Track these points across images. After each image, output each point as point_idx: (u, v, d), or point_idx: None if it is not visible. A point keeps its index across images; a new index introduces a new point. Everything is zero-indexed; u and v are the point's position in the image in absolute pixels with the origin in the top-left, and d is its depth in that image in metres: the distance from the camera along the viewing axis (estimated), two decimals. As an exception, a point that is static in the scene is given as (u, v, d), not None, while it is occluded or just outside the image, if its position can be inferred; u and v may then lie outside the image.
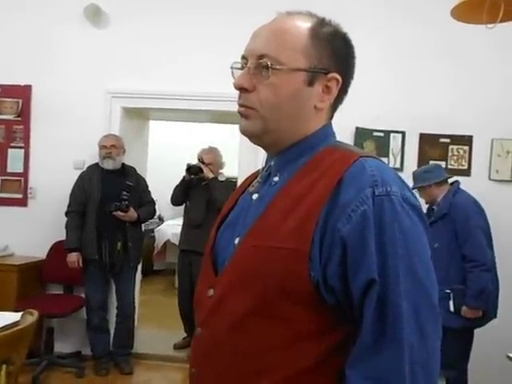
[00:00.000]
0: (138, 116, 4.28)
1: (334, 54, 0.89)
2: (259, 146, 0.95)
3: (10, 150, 3.95)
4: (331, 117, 0.95)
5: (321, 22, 0.90)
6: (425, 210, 3.01)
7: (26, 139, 3.94)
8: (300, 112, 0.89)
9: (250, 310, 0.82)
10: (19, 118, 3.94)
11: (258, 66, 0.87)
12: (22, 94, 3.93)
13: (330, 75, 0.89)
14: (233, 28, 3.45)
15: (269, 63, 0.86)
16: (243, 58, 0.90)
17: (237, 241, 0.89)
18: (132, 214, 3.53)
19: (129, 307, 3.73)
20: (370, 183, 0.79)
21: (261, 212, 0.87)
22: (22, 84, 3.93)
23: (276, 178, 0.91)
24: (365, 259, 0.77)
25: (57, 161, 3.87)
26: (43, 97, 3.91)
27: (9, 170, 3.96)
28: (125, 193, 3.52)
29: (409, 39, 3.63)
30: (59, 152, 3.87)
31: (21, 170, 3.95)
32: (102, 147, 3.58)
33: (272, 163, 0.94)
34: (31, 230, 3.87)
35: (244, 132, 0.92)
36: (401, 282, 0.76)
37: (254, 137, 0.92)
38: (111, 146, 3.58)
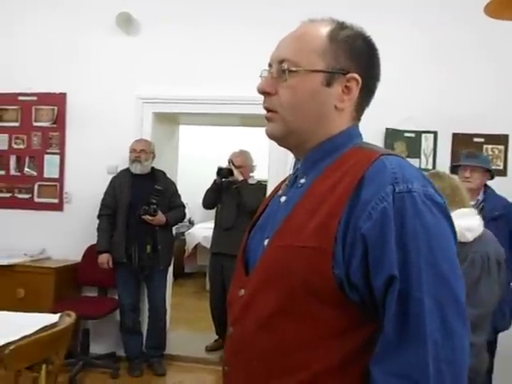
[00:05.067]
0: (169, 121, 4.35)
1: (353, 56, 0.90)
2: (286, 147, 0.98)
3: (46, 156, 4.08)
4: (357, 118, 0.96)
5: (340, 26, 0.93)
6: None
7: (62, 145, 4.06)
8: (320, 112, 0.91)
9: (277, 308, 0.84)
10: (55, 125, 4.06)
11: (279, 71, 0.91)
12: (58, 101, 4.05)
13: (349, 75, 0.90)
14: (260, 33, 3.46)
15: (286, 66, 0.89)
16: (269, 65, 0.95)
17: (266, 242, 0.92)
18: (160, 217, 3.58)
19: (160, 309, 3.78)
20: (391, 180, 0.80)
21: (288, 213, 0.90)
22: (57, 92, 4.05)
23: (302, 180, 0.93)
24: (385, 256, 0.77)
25: (91, 166, 3.97)
26: (77, 104, 4.02)
27: (45, 176, 4.08)
28: (153, 197, 3.57)
29: (440, 39, 3.55)
30: (93, 157, 3.97)
31: (57, 176, 4.06)
32: (132, 151, 3.67)
33: (299, 166, 0.96)
34: (67, 234, 3.98)
35: (269, 135, 0.96)
36: (423, 277, 0.76)
37: (279, 139, 0.95)
38: (141, 151, 3.65)
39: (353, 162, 0.86)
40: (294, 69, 0.89)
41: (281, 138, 0.95)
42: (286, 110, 0.91)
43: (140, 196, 3.60)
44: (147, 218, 3.53)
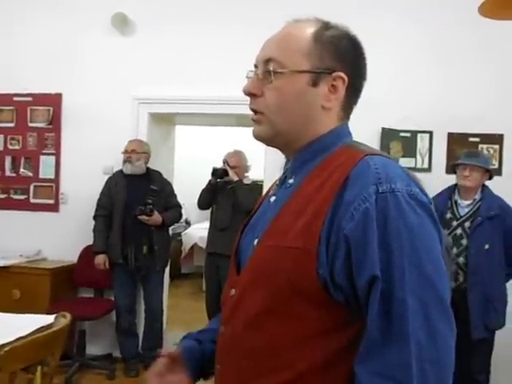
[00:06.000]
0: (165, 121, 4.34)
1: (338, 55, 0.90)
2: (274, 147, 0.98)
3: (41, 157, 4.07)
4: (345, 117, 0.95)
5: (325, 26, 0.92)
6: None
7: (57, 146, 4.05)
8: (307, 113, 0.91)
9: (264, 307, 0.85)
10: (50, 126, 4.05)
11: (264, 72, 0.91)
12: (53, 102, 4.04)
13: (335, 74, 0.90)
14: (256, 33, 3.45)
15: (271, 67, 0.89)
16: (255, 66, 0.94)
17: (255, 242, 0.92)
18: (156, 217, 3.57)
19: (156, 310, 3.77)
20: (374, 180, 0.80)
21: (275, 213, 0.90)
22: (53, 92, 4.04)
23: (291, 181, 0.94)
24: (367, 256, 0.77)
25: (87, 167, 3.96)
26: (73, 104, 4.01)
27: (41, 177, 4.07)
28: (149, 197, 3.57)
29: (437, 39, 3.57)
30: (89, 158, 3.96)
31: (52, 176, 4.05)
32: (124, 151, 3.67)
33: (288, 166, 0.97)
34: (63, 235, 3.97)
35: (256, 136, 0.96)
36: (406, 277, 0.76)
37: (266, 140, 0.96)
38: (132, 151, 3.64)
39: (339, 161, 0.86)
40: (279, 70, 0.89)
41: (268, 140, 0.95)
42: (272, 111, 0.91)
43: (136, 196, 3.59)
44: (143, 218, 3.53)
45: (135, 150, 3.65)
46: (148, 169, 3.75)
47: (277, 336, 0.84)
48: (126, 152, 3.66)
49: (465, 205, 2.92)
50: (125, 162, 3.66)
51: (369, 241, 0.77)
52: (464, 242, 2.86)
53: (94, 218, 3.67)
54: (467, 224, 2.87)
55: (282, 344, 0.83)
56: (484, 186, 2.95)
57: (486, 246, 2.80)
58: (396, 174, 0.82)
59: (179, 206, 3.86)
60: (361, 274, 0.78)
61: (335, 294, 0.80)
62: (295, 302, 0.82)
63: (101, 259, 3.59)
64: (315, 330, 0.82)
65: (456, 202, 2.95)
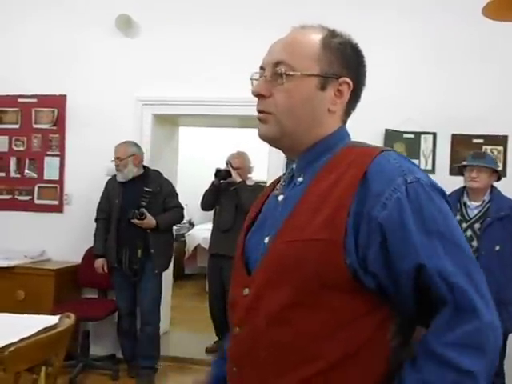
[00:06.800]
0: (169, 122, 4.35)
1: (344, 62, 0.95)
2: (278, 149, 1.01)
3: (46, 158, 4.09)
4: (345, 121, 1.00)
5: (332, 34, 0.97)
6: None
7: (62, 147, 4.06)
8: (314, 115, 0.95)
9: (288, 302, 0.86)
10: (55, 127, 4.07)
11: (274, 74, 0.94)
12: (58, 103, 4.06)
13: (342, 79, 0.94)
14: (260, 35, 3.46)
15: (283, 70, 0.92)
16: (261, 68, 0.97)
17: (267, 240, 0.93)
18: (149, 221, 3.43)
19: (149, 314, 3.59)
20: (400, 173, 0.85)
21: (289, 211, 0.92)
22: (57, 94, 4.05)
23: (300, 179, 0.96)
24: (409, 243, 0.81)
25: (91, 168, 3.97)
26: (77, 106, 4.03)
27: (45, 178, 4.09)
28: (143, 199, 3.49)
29: (440, 40, 3.56)
30: (93, 159, 3.97)
31: (57, 178, 4.07)
32: (112, 159, 3.60)
33: (294, 166, 0.99)
34: (67, 236, 3.98)
35: (262, 136, 0.98)
36: (452, 257, 0.82)
37: (272, 140, 0.98)
38: (116, 159, 3.55)
39: (352, 158, 0.90)
40: (290, 73, 0.92)
41: (274, 140, 0.97)
42: (281, 112, 0.93)
43: (131, 199, 3.50)
44: (135, 221, 3.43)
45: (120, 158, 3.54)
46: (146, 169, 3.65)
47: (305, 329, 0.85)
48: (114, 160, 3.58)
49: (474, 206, 2.90)
50: (116, 170, 3.59)
51: (407, 228, 0.81)
52: (474, 243, 2.82)
53: (95, 220, 3.65)
54: (477, 225, 2.85)
55: (311, 336, 0.84)
56: (493, 187, 2.93)
57: (497, 247, 2.78)
58: (413, 166, 0.89)
59: (180, 207, 3.69)
60: (403, 261, 0.81)
61: (366, 281, 0.83)
62: (322, 293, 0.84)
63: (99, 263, 3.57)
64: (347, 318, 0.84)
65: (465, 203, 2.93)
